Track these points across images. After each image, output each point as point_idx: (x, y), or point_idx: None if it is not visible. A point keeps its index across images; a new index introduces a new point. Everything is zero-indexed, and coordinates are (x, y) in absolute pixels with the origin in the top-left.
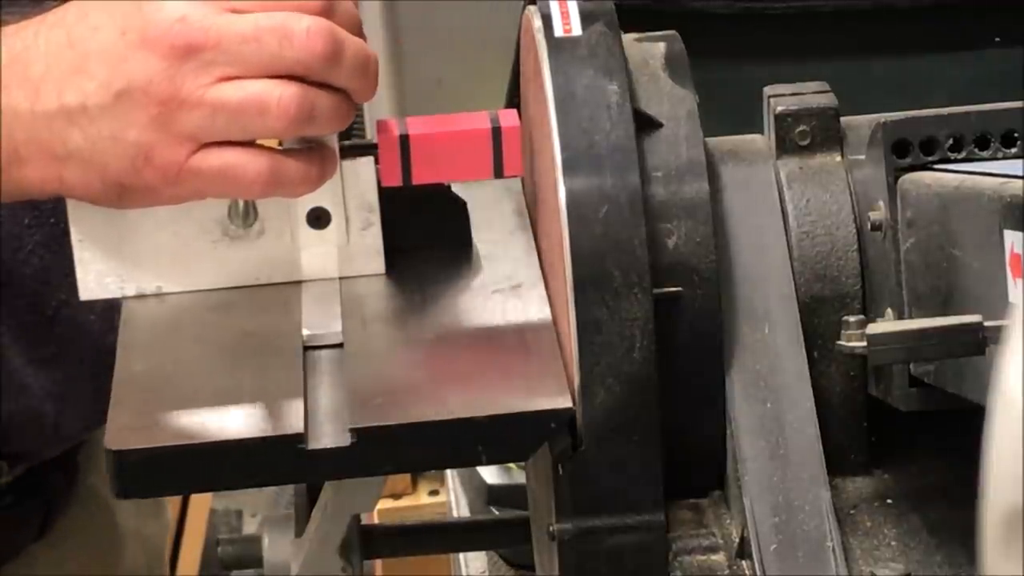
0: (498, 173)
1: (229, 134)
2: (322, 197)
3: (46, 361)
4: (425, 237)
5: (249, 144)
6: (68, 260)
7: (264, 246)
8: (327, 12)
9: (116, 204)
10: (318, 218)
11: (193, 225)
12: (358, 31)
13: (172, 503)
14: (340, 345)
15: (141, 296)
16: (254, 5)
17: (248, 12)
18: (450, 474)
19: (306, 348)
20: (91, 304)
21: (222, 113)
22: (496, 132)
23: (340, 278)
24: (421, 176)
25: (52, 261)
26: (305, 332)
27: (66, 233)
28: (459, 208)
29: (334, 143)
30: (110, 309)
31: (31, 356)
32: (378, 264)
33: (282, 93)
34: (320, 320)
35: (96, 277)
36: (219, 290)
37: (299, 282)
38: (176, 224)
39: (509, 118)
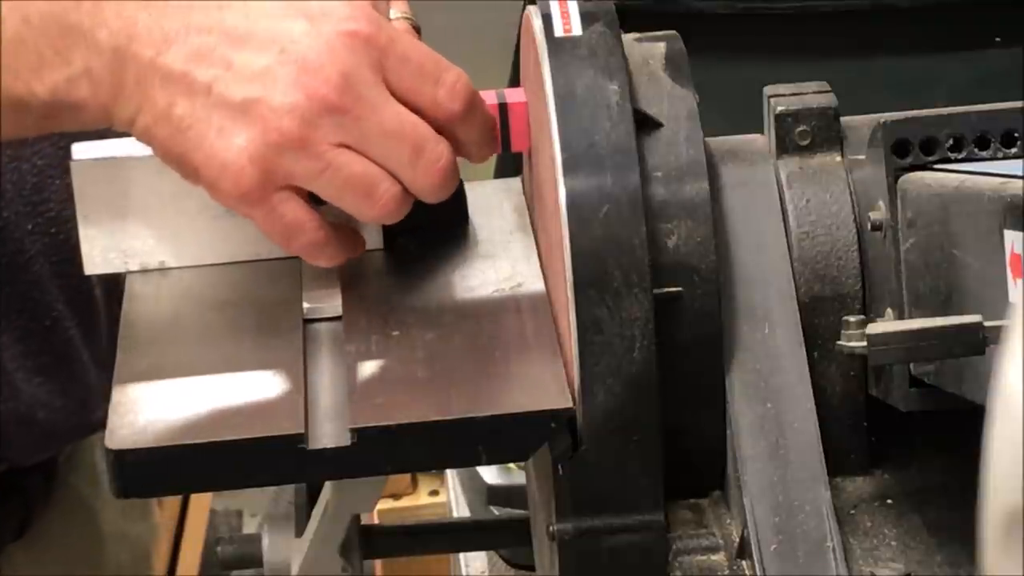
0: (505, 147)
1: (322, 193)
2: None
3: (40, 369)
4: (423, 213)
5: (315, 209)
6: (66, 276)
7: None
8: (463, 117)
9: (179, 173)
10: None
11: (196, 201)
12: (489, 140)
13: (172, 503)
14: (339, 318)
15: (145, 271)
16: (403, 85)
17: (396, 90)
18: (450, 474)
19: (306, 321)
20: (86, 321)
21: (331, 175)
22: (503, 108)
23: None
24: None
25: (51, 271)
26: (305, 305)
27: (66, 243)
28: (457, 186)
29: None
30: (98, 329)
31: (26, 362)
32: (376, 239)
33: (388, 188)
34: (320, 294)
35: (101, 252)
36: (221, 265)
37: (299, 257)
38: (179, 200)
39: (516, 94)
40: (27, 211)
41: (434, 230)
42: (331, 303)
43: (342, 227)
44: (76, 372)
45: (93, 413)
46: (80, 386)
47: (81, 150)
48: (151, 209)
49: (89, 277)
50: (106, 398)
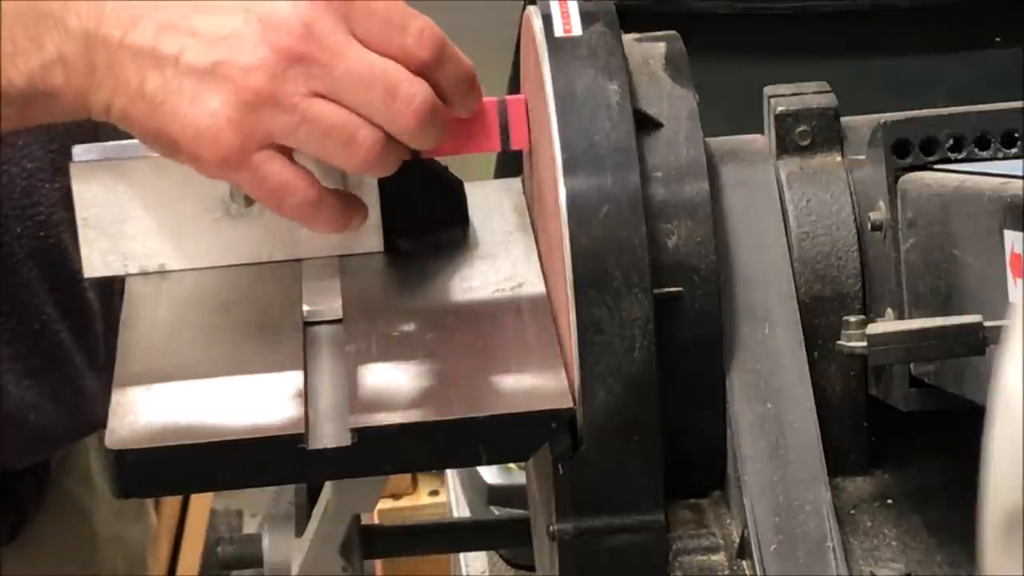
0: (505, 146)
1: (303, 147)
2: (322, 175)
3: (30, 372)
4: (423, 215)
5: (305, 169)
6: (56, 279)
7: (265, 224)
8: (434, 65)
9: (162, 153)
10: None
11: (195, 203)
12: (469, 89)
13: (172, 503)
14: (339, 321)
15: (144, 274)
16: (371, 37)
17: (364, 41)
18: (450, 474)
19: (306, 324)
20: (79, 324)
21: (308, 127)
22: (503, 105)
23: (339, 256)
24: (428, 150)
25: (40, 275)
26: (305, 308)
27: (56, 246)
28: (456, 186)
29: (363, 194)
30: (92, 332)
31: (15, 365)
32: (376, 242)
33: (368, 134)
34: (320, 296)
35: (100, 255)
36: (221, 268)
37: (299, 260)
38: (179, 202)
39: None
40: (16, 214)
41: (434, 233)
42: (331, 306)
43: (339, 191)
44: (68, 375)
45: (87, 416)
46: (72, 389)
47: (80, 153)
48: (151, 212)
49: (81, 280)
50: (101, 401)
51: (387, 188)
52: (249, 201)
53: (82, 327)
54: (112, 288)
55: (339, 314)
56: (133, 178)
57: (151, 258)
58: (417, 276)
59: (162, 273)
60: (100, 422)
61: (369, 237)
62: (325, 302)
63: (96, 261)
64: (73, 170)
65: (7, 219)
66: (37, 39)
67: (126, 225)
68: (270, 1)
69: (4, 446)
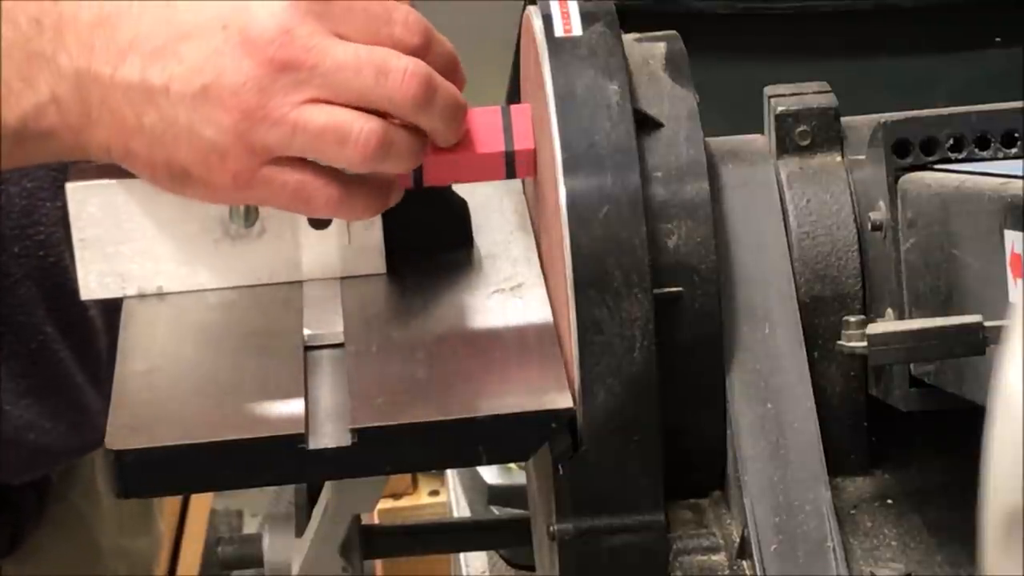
0: (510, 174)
1: (304, 155)
2: None
3: (29, 391)
4: (426, 236)
5: (320, 166)
6: (56, 298)
7: (265, 246)
8: (424, 49)
9: (176, 189)
10: (319, 218)
11: (194, 224)
12: (454, 70)
13: (172, 503)
14: (341, 345)
15: (142, 296)
16: (356, 33)
17: (350, 39)
18: (450, 474)
19: (307, 348)
20: (80, 343)
21: (302, 135)
22: (509, 147)
23: (341, 278)
24: (432, 179)
25: (37, 295)
26: (306, 332)
27: (56, 266)
28: (460, 207)
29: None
30: (95, 350)
31: (12, 384)
32: (379, 263)
33: (363, 126)
34: (321, 320)
35: (97, 277)
36: (220, 290)
37: (300, 282)
38: (177, 223)
39: (522, 135)
40: (15, 234)
41: (438, 254)
42: (333, 330)
43: (363, 177)
44: (69, 394)
45: (89, 434)
46: (74, 408)
47: (78, 172)
48: (149, 232)
49: (82, 299)
50: (104, 418)
51: (390, 209)
52: (249, 221)
53: (83, 345)
54: (117, 305)
55: (340, 339)
56: (131, 198)
57: (149, 280)
58: (417, 275)
59: (160, 295)
60: (103, 439)
61: (371, 258)
62: (326, 326)
63: (93, 283)
64: (69, 190)
65: (6, 238)
66: (30, 80)
67: (123, 246)
68: (245, 14)
69: (3, 464)
